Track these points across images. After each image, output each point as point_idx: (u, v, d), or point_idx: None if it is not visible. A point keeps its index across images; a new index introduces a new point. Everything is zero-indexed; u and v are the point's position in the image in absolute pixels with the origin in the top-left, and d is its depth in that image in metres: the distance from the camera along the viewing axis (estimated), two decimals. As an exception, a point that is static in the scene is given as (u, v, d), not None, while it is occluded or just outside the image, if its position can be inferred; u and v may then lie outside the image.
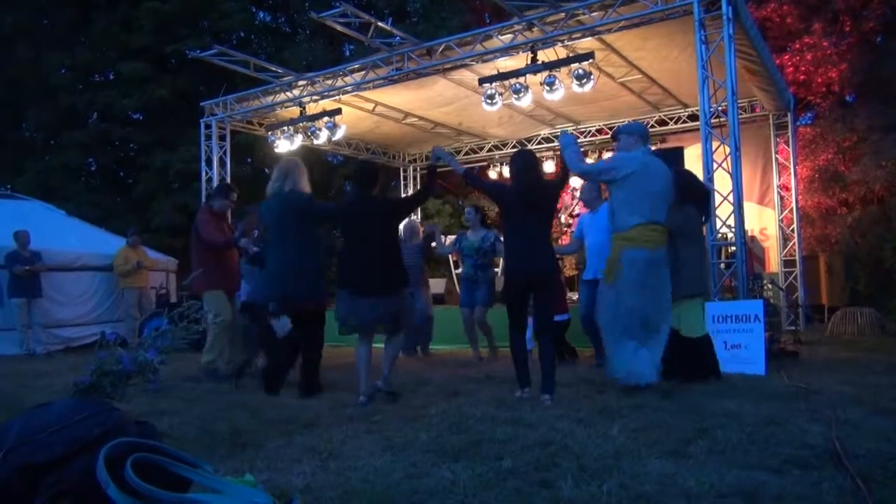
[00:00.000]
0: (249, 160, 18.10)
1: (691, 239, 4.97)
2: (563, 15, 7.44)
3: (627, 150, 4.73)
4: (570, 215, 10.17)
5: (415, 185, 14.07)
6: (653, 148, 10.32)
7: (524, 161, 4.72)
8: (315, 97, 9.73)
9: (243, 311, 6.21)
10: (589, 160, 12.01)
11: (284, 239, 5.01)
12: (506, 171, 12.90)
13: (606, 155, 11.88)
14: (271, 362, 5.35)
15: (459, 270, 8.36)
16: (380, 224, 4.70)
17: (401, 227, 6.41)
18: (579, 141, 12.11)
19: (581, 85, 7.83)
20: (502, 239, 7.75)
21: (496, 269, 7.41)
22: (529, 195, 4.49)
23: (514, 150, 12.79)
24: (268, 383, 5.03)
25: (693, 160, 8.07)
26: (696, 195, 5.16)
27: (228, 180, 10.65)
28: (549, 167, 12.85)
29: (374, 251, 4.60)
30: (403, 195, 9.91)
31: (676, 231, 4.75)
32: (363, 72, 9.15)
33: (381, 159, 13.50)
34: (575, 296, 9.21)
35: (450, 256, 9.53)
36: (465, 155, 13.24)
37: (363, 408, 4.36)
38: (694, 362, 4.89)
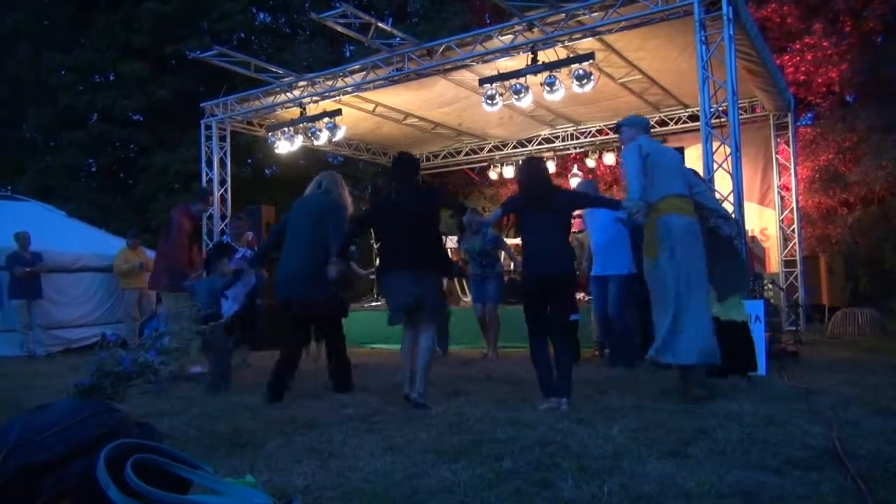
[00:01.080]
0: (250, 161, 18.11)
1: (721, 242, 4.90)
2: (563, 15, 7.44)
3: (630, 139, 4.74)
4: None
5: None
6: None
7: (530, 166, 4.77)
8: (315, 98, 9.73)
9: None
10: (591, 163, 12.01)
11: (301, 240, 5.01)
12: (506, 172, 12.93)
13: (607, 155, 11.92)
14: (217, 367, 5.40)
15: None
16: (423, 213, 4.62)
17: None
18: (580, 141, 12.13)
19: (581, 85, 7.83)
20: (507, 239, 7.89)
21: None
22: (538, 196, 4.45)
23: (514, 150, 12.85)
24: (273, 392, 4.86)
25: (693, 160, 8.05)
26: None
27: (229, 181, 10.67)
28: (549, 168, 12.89)
29: (415, 236, 4.51)
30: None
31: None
32: (363, 72, 9.15)
33: (382, 160, 13.50)
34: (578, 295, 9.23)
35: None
36: (465, 155, 13.25)
37: (419, 406, 4.25)
38: (738, 349, 4.85)
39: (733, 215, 6.47)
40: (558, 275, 4.34)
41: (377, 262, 5.48)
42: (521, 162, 5.13)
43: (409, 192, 4.67)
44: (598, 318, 6.78)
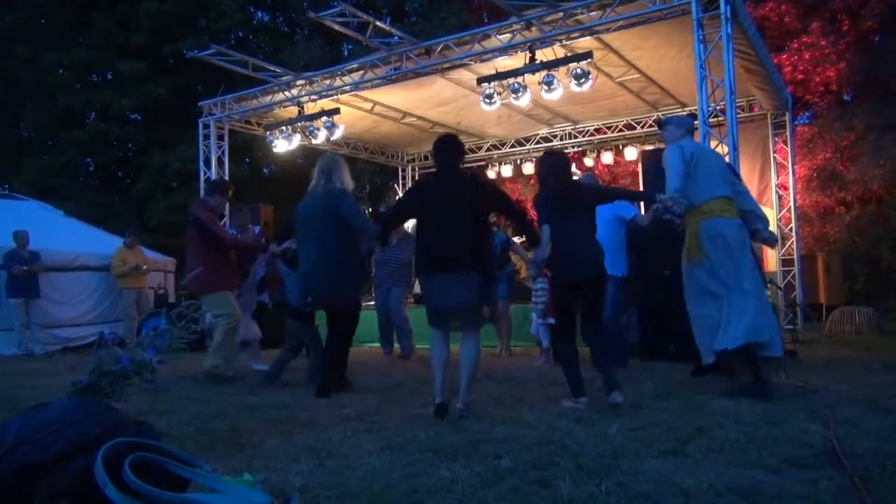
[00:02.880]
0: (248, 160, 18.12)
1: None
2: (561, 14, 7.44)
3: (673, 140, 4.70)
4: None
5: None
6: (651, 148, 10.41)
7: (554, 161, 4.59)
8: (313, 97, 9.73)
9: (292, 315, 5.91)
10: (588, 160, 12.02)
11: (313, 237, 4.96)
12: (504, 171, 12.93)
13: (605, 154, 11.91)
14: (318, 363, 5.42)
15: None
16: (466, 200, 4.11)
17: None
18: (578, 140, 12.13)
19: (579, 84, 7.83)
20: (516, 239, 7.87)
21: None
22: (566, 193, 4.37)
23: (512, 149, 12.85)
24: (321, 388, 4.84)
25: (691, 159, 8.07)
26: None
27: (227, 180, 10.65)
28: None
29: (457, 227, 4.04)
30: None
31: None
32: (361, 71, 9.15)
33: (380, 159, 13.51)
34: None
35: None
36: (463, 154, 13.23)
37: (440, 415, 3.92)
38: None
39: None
40: (595, 277, 4.31)
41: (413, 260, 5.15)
42: (542, 156, 4.86)
43: (452, 181, 4.22)
44: (608, 320, 6.70)
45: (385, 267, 7.59)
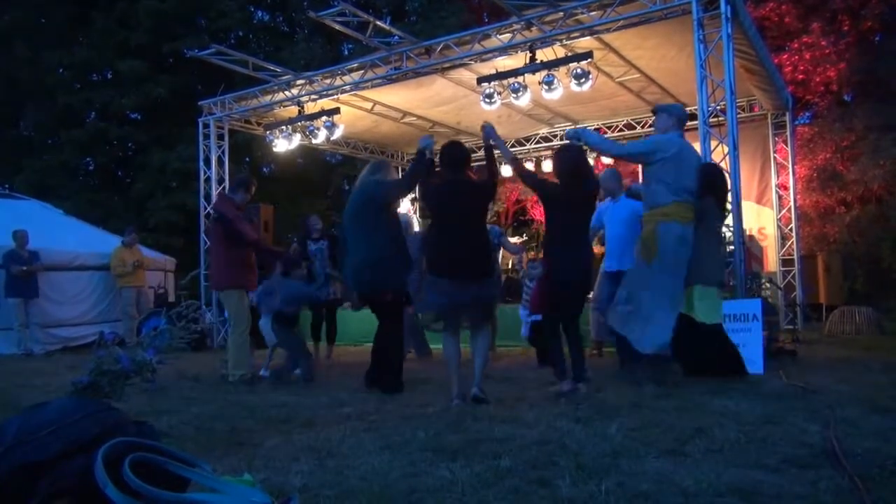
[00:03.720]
0: (247, 159, 18.13)
1: (709, 230, 4.99)
2: (561, 14, 7.44)
3: (664, 130, 4.82)
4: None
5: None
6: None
7: (572, 157, 4.63)
8: (313, 96, 9.73)
9: (276, 319, 5.98)
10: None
11: (358, 230, 4.99)
12: (504, 171, 12.89)
13: (605, 158, 11.89)
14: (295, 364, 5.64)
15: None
16: (472, 205, 4.41)
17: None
18: (579, 142, 12.10)
19: (579, 84, 7.83)
20: (511, 238, 7.86)
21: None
22: (583, 193, 4.44)
23: (512, 148, 12.82)
24: (393, 384, 4.89)
25: (691, 159, 8.07)
26: (718, 188, 5.19)
27: (227, 180, 10.65)
28: (547, 167, 12.86)
29: (466, 233, 4.30)
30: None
31: (696, 220, 4.77)
32: (361, 71, 9.14)
33: (379, 158, 13.49)
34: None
35: None
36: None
37: (458, 409, 4.05)
38: (711, 352, 4.92)
39: (731, 214, 6.49)
40: (586, 277, 4.60)
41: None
42: (559, 150, 4.86)
43: (459, 183, 4.46)
44: (600, 315, 6.65)
45: None
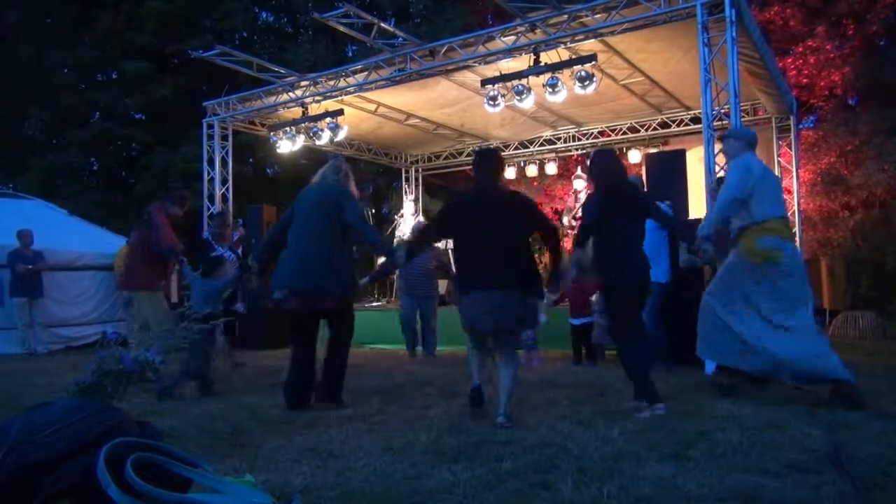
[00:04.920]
0: (251, 160, 18.13)
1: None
2: (565, 17, 7.45)
3: (735, 154, 4.65)
4: (574, 218, 10.15)
5: (416, 185, 14.05)
6: (654, 151, 10.40)
7: (604, 160, 4.44)
8: (317, 98, 9.74)
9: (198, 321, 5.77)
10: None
11: (310, 225, 4.60)
12: (508, 174, 12.90)
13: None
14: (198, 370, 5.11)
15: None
16: (507, 216, 3.97)
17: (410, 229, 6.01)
18: (581, 142, 12.11)
19: (583, 87, 7.83)
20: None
21: None
22: (622, 197, 4.27)
23: (516, 151, 12.83)
24: (289, 398, 4.52)
25: (695, 163, 8.06)
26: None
27: (230, 180, 10.68)
28: (551, 169, 12.86)
29: (498, 244, 3.90)
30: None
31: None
32: (365, 72, 9.15)
33: (383, 160, 13.51)
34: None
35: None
36: (467, 156, 13.23)
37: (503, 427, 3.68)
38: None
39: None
40: (643, 283, 4.28)
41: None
42: (594, 155, 4.59)
43: (492, 193, 4.10)
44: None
45: (412, 273, 7.54)
